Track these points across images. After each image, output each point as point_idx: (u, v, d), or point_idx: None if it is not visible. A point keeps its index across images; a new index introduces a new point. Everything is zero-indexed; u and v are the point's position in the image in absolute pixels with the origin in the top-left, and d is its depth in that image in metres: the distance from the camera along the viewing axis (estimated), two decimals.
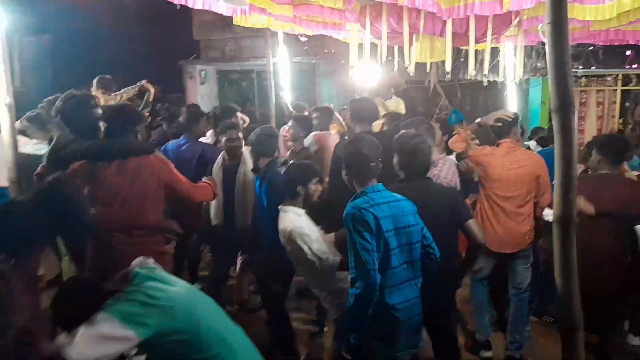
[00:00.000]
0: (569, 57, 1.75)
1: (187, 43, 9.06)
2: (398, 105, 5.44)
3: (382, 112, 4.45)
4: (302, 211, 2.88)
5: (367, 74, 5.19)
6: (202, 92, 10.06)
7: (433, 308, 2.60)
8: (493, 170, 3.36)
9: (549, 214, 3.25)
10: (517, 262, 3.45)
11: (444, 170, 3.25)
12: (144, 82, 4.83)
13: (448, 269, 2.71)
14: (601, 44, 5.75)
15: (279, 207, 2.93)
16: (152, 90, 4.79)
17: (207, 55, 9.71)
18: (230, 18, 4.86)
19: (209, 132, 4.59)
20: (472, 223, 2.69)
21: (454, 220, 2.68)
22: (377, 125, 4.10)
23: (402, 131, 2.85)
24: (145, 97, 4.81)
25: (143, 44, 4.21)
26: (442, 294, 2.75)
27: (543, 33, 3.12)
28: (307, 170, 2.95)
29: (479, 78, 5.15)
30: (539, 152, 4.38)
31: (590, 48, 7.13)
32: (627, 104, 9.03)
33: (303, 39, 6.64)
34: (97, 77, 4.82)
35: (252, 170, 3.45)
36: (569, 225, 1.83)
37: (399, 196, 2.48)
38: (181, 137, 4.20)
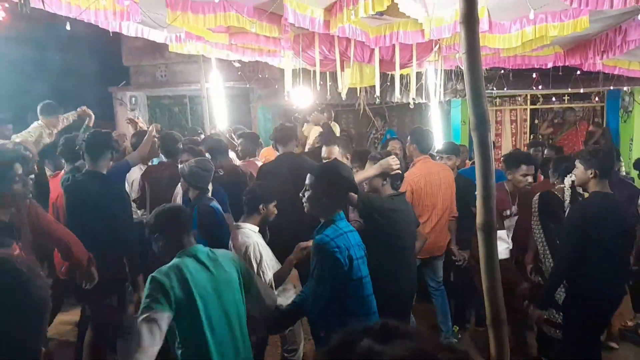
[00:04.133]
0: (482, 82, 1.95)
1: (116, 69, 8.86)
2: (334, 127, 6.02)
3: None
4: (256, 228, 2.95)
5: (301, 98, 5.44)
6: None
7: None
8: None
9: None
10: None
11: None
12: (83, 107, 4.90)
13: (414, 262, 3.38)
14: (511, 67, 6.35)
15: (235, 224, 2.97)
16: (92, 115, 4.89)
17: (137, 81, 9.53)
18: (161, 43, 4.90)
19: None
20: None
21: (415, 224, 3.34)
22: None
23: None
24: (86, 122, 4.83)
25: (71, 71, 4.14)
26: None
27: (460, 60, 3.51)
28: (271, 191, 3.03)
29: (404, 100, 5.50)
30: (461, 171, 4.52)
31: (502, 71, 7.78)
32: (536, 121, 9.93)
33: (236, 64, 6.74)
34: (42, 104, 4.73)
35: (183, 201, 3.40)
36: (491, 230, 1.99)
37: (350, 226, 2.47)
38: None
